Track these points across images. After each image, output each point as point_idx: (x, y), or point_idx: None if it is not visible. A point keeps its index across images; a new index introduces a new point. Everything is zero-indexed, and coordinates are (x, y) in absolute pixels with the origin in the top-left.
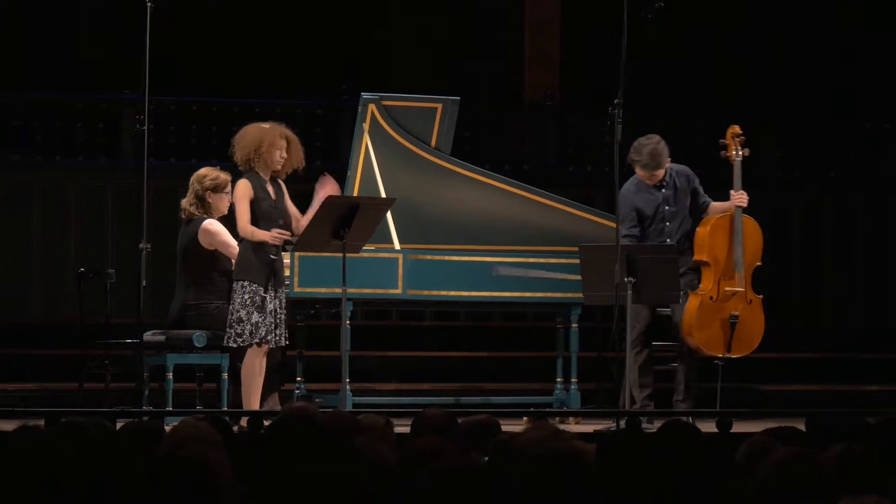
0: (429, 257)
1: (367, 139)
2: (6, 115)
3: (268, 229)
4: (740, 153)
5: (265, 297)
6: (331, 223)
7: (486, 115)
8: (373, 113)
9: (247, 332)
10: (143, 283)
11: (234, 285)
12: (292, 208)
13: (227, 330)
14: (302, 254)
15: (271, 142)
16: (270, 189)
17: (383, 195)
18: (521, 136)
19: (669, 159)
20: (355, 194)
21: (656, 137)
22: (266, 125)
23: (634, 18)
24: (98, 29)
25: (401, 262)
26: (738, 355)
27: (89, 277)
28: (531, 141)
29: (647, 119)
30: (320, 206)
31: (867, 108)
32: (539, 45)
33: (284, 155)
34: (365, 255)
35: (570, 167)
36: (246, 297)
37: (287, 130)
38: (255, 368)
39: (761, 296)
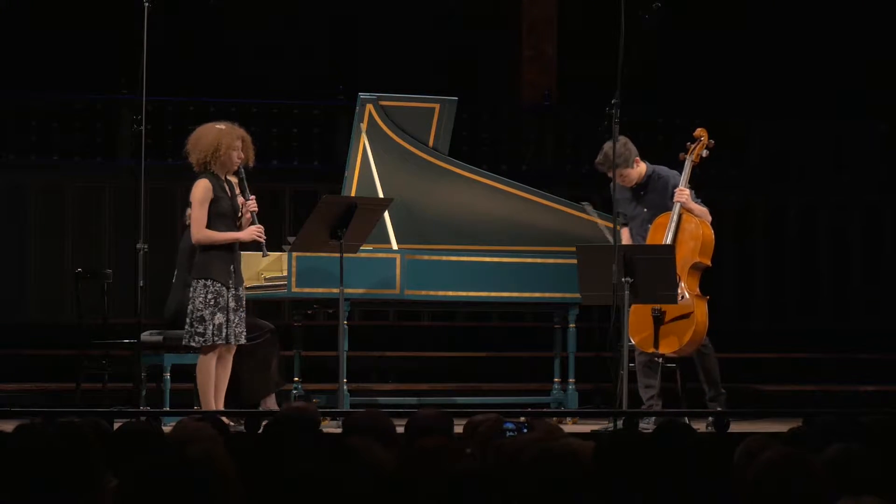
0: (426, 257)
1: (364, 139)
2: (3, 115)
3: (226, 227)
4: (694, 154)
5: (227, 297)
6: (328, 223)
7: (483, 116)
8: (370, 113)
9: (209, 332)
10: (141, 283)
11: (195, 283)
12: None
13: (187, 328)
14: (299, 254)
15: (229, 144)
16: (227, 188)
17: (381, 195)
18: (519, 137)
19: (639, 163)
20: (353, 194)
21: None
22: (222, 126)
23: (632, 19)
24: (95, 29)
25: (398, 262)
26: (667, 352)
27: (86, 278)
28: (529, 141)
29: (646, 119)
30: (318, 206)
31: None
32: (536, 46)
33: (242, 156)
34: (362, 255)
35: (567, 167)
36: (209, 296)
37: (241, 130)
38: (210, 369)
39: (706, 296)
